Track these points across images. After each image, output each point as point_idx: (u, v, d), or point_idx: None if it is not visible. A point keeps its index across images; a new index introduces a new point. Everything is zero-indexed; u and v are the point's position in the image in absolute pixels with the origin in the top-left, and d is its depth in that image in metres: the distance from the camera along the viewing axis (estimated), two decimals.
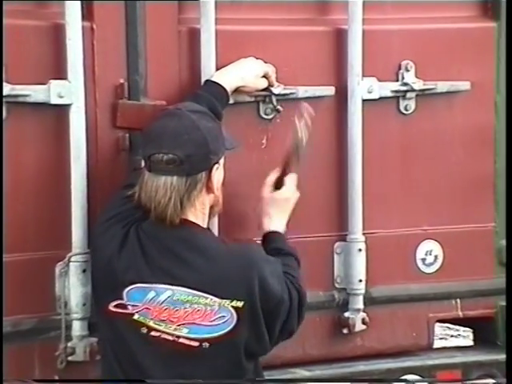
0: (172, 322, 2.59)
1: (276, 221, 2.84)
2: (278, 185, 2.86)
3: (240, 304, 2.58)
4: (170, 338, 2.59)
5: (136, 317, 2.60)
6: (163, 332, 2.59)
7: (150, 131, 2.63)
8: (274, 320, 2.64)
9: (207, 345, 2.59)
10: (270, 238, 2.82)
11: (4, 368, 2.62)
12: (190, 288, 2.58)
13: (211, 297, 2.58)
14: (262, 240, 2.83)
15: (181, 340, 2.59)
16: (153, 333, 2.60)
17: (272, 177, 2.86)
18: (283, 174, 2.86)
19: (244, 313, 2.59)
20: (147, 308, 2.60)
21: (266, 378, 2.84)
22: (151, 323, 2.60)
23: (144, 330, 2.60)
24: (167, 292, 2.59)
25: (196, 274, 2.59)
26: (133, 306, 2.60)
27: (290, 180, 2.85)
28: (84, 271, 2.75)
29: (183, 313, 2.58)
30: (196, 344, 2.59)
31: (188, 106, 2.66)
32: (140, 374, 2.62)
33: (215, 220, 2.83)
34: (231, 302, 2.58)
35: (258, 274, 2.60)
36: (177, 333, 2.59)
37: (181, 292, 2.58)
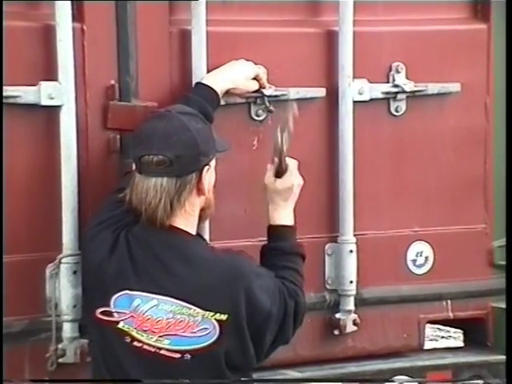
0: (154, 332, 2.57)
1: (281, 212, 2.77)
2: (279, 173, 2.79)
3: (224, 317, 2.56)
4: (152, 349, 2.58)
5: (121, 325, 2.59)
6: (144, 343, 2.58)
7: (140, 133, 2.63)
8: (262, 334, 2.62)
9: (189, 356, 2.57)
10: (275, 232, 2.76)
11: None
12: (175, 298, 2.56)
13: (195, 308, 2.56)
14: (267, 233, 2.78)
15: (162, 352, 2.58)
16: (135, 343, 2.59)
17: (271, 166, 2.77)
18: (281, 161, 2.78)
19: (227, 326, 2.57)
20: (132, 316, 2.59)
21: (258, 378, 2.84)
22: (134, 333, 2.58)
23: (128, 339, 2.59)
24: (152, 301, 2.57)
25: (181, 284, 2.57)
26: (119, 313, 2.59)
27: (291, 166, 2.77)
28: (75, 273, 2.74)
29: (165, 323, 2.56)
30: (177, 356, 2.57)
31: (178, 108, 2.66)
32: (126, 377, 2.60)
33: (206, 222, 2.83)
34: (214, 314, 2.56)
35: (245, 288, 2.58)
36: (158, 344, 2.57)
37: (165, 301, 2.57)
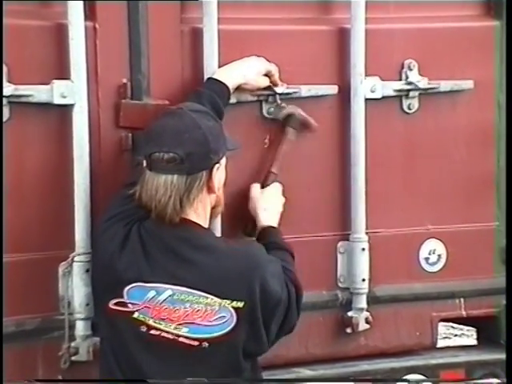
0: (172, 321, 2.59)
1: (269, 216, 2.84)
2: (268, 180, 2.89)
3: (240, 304, 2.58)
4: (170, 336, 2.59)
5: (136, 315, 2.60)
6: (163, 331, 2.59)
7: (151, 130, 2.63)
8: (270, 320, 2.64)
9: (207, 344, 2.59)
10: (265, 232, 2.82)
11: (7, 368, 2.62)
12: (191, 288, 2.58)
13: (212, 296, 2.57)
14: (257, 235, 2.83)
15: (181, 339, 2.59)
16: (152, 331, 2.60)
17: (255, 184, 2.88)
18: (269, 171, 2.88)
19: (244, 313, 2.58)
20: (147, 307, 2.59)
21: (269, 377, 2.84)
22: (151, 322, 2.60)
23: (143, 329, 2.60)
24: (167, 291, 2.58)
25: (197, 274, 2.59)
26: (133, 304, 2.60)
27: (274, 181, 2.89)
28: (87, 271, 2.74)
29: (183, 312, 2.58)
30: (196, 343, 2.59)
31: (189, 106, 2.66)
32: (138, 373, 2.62)
33: (218, 219, 2.83)
34: (232, 302, 2.58)
35: (260, 275, 2.60)
36: (176, 332, 2.59)
37: (181, 291, 2.58)
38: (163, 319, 2.59)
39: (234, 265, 2.60)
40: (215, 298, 2.58)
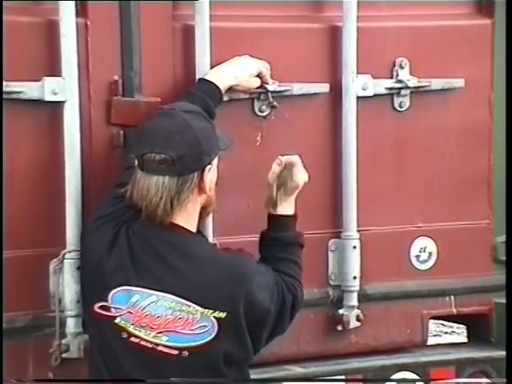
0: (152, 328, 2.57)
1: (283, 203, 2.76)
2: (283, 178, 2.78)
3: (222, 315, 2.56)
4: (149, 345, 2.58)
5: (117, 321, 2.59)
6: (142, 339, 2.58)
7: (143, 130, 2.62)
8: (260, 329, 2.63)
9: (186, 353, 2.57)
10: (276, 222, 2.75)
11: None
12: (175, 295, 2.56)
13: (194, 305, 2.56)
14: (268, 222, 2.77)
15: (159, 348, 2.58)
16: (132, 338, 2.59)
17: (276, 168, 2.76)
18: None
19: (226, 324, 2.57)
20: (130, 312, 2.58)
21: (261, 374, 2.85)
22: (131, 329, 2.58)
23: (124, 335, 2.59)
24: (151, 297, 2.57)
25: (181, 282, 2.57)
26: (116, 308, 2.59)
27: (296, 163, 2.77)
28: (78, 268, 2.74)
29: (164, 320, 2.57)
30: (175, 352, 2.57)
31: (182, 106, 2.65)
32: (122, 373, 2.61)
33: (210, 219, 2.83)
34: (213, 312, 2.56)
35: (246, 289, 2.58)
36: (156, 340, 2.57)
37: (165, 298, 2.57)
38: (143, 326, 2.58)
39: (218, 275, 2.58)
40: (197, 307, 2.56)
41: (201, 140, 2.58)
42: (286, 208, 2.78)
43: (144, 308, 2.57)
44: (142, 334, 2.58)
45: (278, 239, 2.75)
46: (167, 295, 2.57)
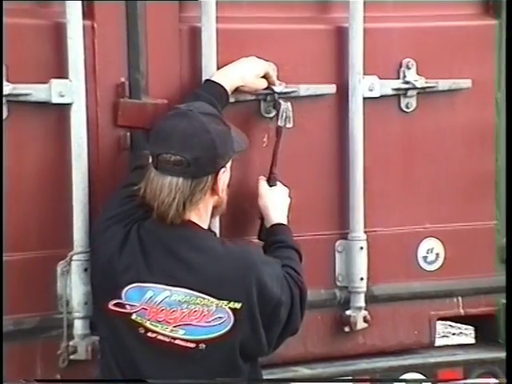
0: (168, 323, 2.59)
1: (278, 213, 2.85)
2: (271, 181, 2.89)
3: (238, 305, 2.58)
4: (166, 339, 2.59)
5: (134, 317, 2.60)
6: (159, 333, 2.59)
7: (160, 130, 2.62)
8: (273, 322, 2.64)
9: (203, 346, 2.59)
10: (273, 229, 2.83)
11: (6, 367, 2.62)
12: (188, 288, 2.58)
13: (208, 297, 2.58)
14: (265, 233, 2.84)
15: (177, 341, 2.59)
16: (149, 334, 2.60)
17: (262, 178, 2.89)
18: (272, 169, 2.89)
19: (241, 314, 2.58)
20: (144, 308, 2.60)
21: (268, 376, 2.84)
22: (148, 324, 2.60)
23: (141, 331, 2.60)
24: (165, 292, 2.59)
25: (194, 275, 2.59)
26: (131, 305, 2.60)
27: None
28: (86, 270, 2.75)
29: (180, 314, 2.58)
30: (192, 345, 2.59)
31: (199, 108, 2.64)
32: (136, 373, 2.62)
33: (217, 219, 2.83)
34: (229, 303, 2.58)
35: (257, 276, 2.60)
36: (173, 334, 2.59)
37: (179, 293, 2.58)
38: (160, 321, 2.59)
39: (230, 266, 2.60)
40: (212, 299, 2.58)
41: (217, 143, 2.58)
42: (280, 218, 2.85)
43: (159, 303, 2.58)
44: (158, 329, 2.59)
45: (279, 241, 2.79)
46: (181, 289, 2.58)
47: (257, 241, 2.90)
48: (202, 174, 2.58)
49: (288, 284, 2.68)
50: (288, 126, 2.91)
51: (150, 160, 2.61)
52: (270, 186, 2.90)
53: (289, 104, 2.90)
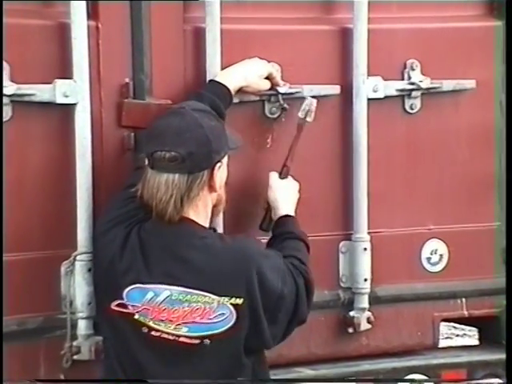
0: (171, 321, 2.59)
1: (287, 205, 2.85)
2: (283, 174, 2.89)
3: (239, 301, 2.58)
4: (171, 337, 2.60)
5: (136, 316, 2.61)
6: (163, 332, 2.60)
7: (153, 129, 2.64)
8: (276, 315, 2.64)
9: (208, 342, 2.60)
10: (282, 221, 2.83)
11: (10, 367, 2.63)
12: (189, 287, 2.58)
13: (209, 295, 2.58)
14: (274, 224, 2.84)
15: (181, 339, 2.60)
16: (153, 332, 2.60)
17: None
18: (286, 162, 2.89)
19: (243, 309, 2.59)
20: (146, 308, 2.60)
21: (271, 377, 2.84)
22: (151, 323, 2.60)
23: (145, 330, 2.61)
24: (165, 292, 2.59)
25: (194, 273, 2.59)
26: (133, 306, 2.61)
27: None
28: (89, 270, 2.75)
29: (182, 312, 2.59)
30: (197, 341, 2.60)
31: (191, 105, 2.67)
32: (140, 372, 2.63)
33: (220, 219, 2.83)
34: (230, 299, 2.58)
35: (257, 270, 2.61)
36: (177, 332, 2.60)
37: (179, 292, 2.58)
38: (163, 320, 2.60)
39: (229, 262, 2.61)
40: (213, 296, 2.58)
41: (210, 138, 2.59)
42: (288, 209, 2.85)
43: (160, 303, 2.59)
44: (162, 328, 2.59)
45: (288, 232, 2.79)
46: (181, 288, 2.58)
47: (263, 241, 2.90)
48: (197, 169, 2.58)
49: (292, 274, 2.68)
50: (308, 119, 2.89)
51: (146, 161, 2.62)
52: (282, 178, 2.89)
53: (314, 100, 2.89)
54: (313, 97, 2.95)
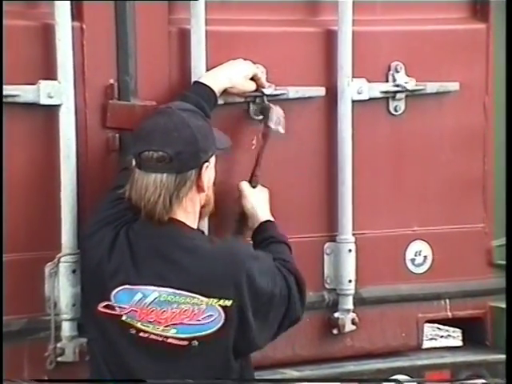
0: (159, 323, 2.60)
1: (265, 212, 2.87)
2: (253, 182, 2.91)
3: (228, 303, 2.59)
4: (159, 338, 2.60)
5: (124, 318, 2.61)
6: (151, 333, 2.60)
7: (141, 129, 2.64)
8: (268, 313, 2.65)
9: (196, 343, 2.60)
10: (263, 226, 2.84)
11: None
12: (177, 289, 2.58)
13: (198, 296, 2.58)
14: (254, 230, 2.85)
15: (169, 340, 2.60)
16: (141, 334, 2.60)
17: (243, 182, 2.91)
18: (255, 171, 2.91)
19: (232, 311, 2.59)
20: (134, 310, 2.60)
21: (256, 378, 2.84)
22: (138, 325, 2.60)
23: (132, 331, 2.61)
24: (154, 294, 2.59)
25: (182, 274, 2.59)
26: (120, 307, 2.60)
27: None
28: (74, 272, 2.74)
29: (170, 313, 2.59)
30: (185, 343, 2.60)
31: (178, 105, 2.67)
32: (127, 374, 2.62)
33: (205, 221, 2.83)
34: (219, 301, 2.59)
35: (247, 272, 2.61)
36: (165, 333, 2.60)
37: (168, 293, 2.59)
38: (151, 321, 2.60)
39: (219, 264, 2.61)
40: (202, 298, 2.58)
41: (198, 137, 2.59)
42: (266, 215, 2.86)
43: (149, 304, 2.59)
44: (150, 329, 2.59)
45: (270, 237, 2.80)
46: (170, 290, 2.58)
47: (249, 239, 2.90)
48: (185, 168, 2.58)
49: (282, 274, 2.69)
50: (281, 131, 2.90)
51: (133, 161, 2.62)
52: (253, 187, 2.91)
53: (281, 110, 2.90)
54: (297, 99, 2.96)
